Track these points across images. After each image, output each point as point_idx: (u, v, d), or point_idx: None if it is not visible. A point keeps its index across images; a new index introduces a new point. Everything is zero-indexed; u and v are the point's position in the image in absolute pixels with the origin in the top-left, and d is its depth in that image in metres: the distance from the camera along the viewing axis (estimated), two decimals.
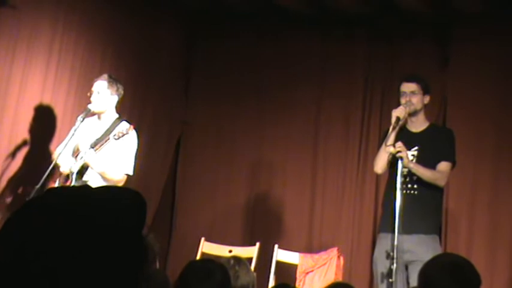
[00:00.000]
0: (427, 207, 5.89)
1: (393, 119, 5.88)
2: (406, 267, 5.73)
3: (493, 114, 7.74)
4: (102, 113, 6.37)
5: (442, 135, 6.17)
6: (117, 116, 6.42)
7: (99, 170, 6.14)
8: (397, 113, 5.91)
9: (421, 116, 6.11)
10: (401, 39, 8.18)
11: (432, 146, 5.99)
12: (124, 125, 6.26)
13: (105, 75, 6.43)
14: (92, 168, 6.12)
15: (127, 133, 6.11)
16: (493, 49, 7.81)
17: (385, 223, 5.95)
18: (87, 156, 6.08)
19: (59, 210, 1.38)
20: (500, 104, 7.73)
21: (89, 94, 6.35)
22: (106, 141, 6.13)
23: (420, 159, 5.91)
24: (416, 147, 5.95)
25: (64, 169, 6.12)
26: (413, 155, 5.92)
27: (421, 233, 5.79)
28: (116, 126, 6.30)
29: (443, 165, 5.98)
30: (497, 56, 7.80)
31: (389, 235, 5.69)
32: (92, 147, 6.14)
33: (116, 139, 6.10)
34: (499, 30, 7.76)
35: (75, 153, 6.24)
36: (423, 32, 8.12)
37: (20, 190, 6.68)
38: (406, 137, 5.92)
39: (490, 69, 7.81)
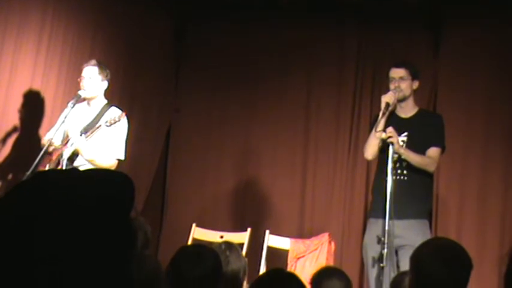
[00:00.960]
0: (417, 193, 5.90)
1: (382, 105, 5.87)
2: (396, 252, 5.74)
3: (483, 99, 7.76)
4: (93, 98, 6.36)
5: (431, 121, 6.16)
6: (106, 101, 6.41)
7: (89, 157, 6.13)
8: (387, 98, 5.90)
9: (410, 102, 6.10)
10: (392, 25, 8.17)
11: (422, 131, 5.99)
12: (115, 111, 6.26)
13: (94, 61, 6.41)
14: (82, 155, 6.11)
15: (119, 120, 6.10)
16: (483, 35, 7.82)
17: (375, 208, 5.96)
18: (78, 142, 6.07)
19: (47, 193, 1.38)
20: (491, 89, 7.75)
21: (79, 80, 6.34)
22: (98, 127, 6.12)
23: (410, 145, 5.91)
24: (406, 133, 5.95)
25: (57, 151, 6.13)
26: (403, 141, 5.92)
27: (411, 218, 5.79)
28: (106, 112, 6.30)
29: (433, 151, 5.98)
30: (487, 42, 7.81)
31: (379, 220, 5.70)
32: (83, 133, 6.13)
33: (107, 126, 6.09)
34: (489, 16, 7.77)
35: (65, 139, 6.23)
36: (414, 19, 8.11)
37: (10, 176, 6.67)
38: (395, 122, 5.91)
39: (480, 55, 7.83)
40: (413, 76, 6.06)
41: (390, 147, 5.69)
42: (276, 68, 8.53)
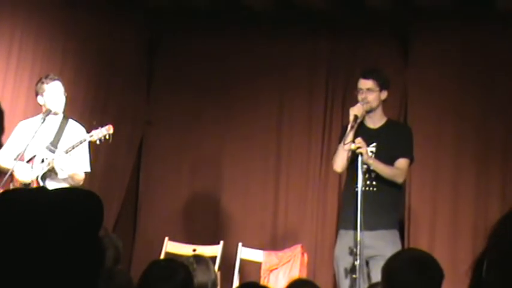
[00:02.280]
0: (386, 203, 5.91)
1: (351, 117, 5.89)
2: (367, 263, 5.76)
3: (453, 110, 7.81)
4: (57, 113, 6.35)
5: (399, 132, 6.19)
6: (62, 115, 6.40)
7: (70, 172, 6.12)
8: (355, 110, 5.92)
9: (378, 112, 6.11)
10: (362, 34, 8.19)
11: (390, 142, 6.01)
12: (76, 125, 6.39)
13: (54, 76, 6.41)
14: (61, 171, 6.07)
15: (109, 134, 6.15)
16: (453, 45, 7.87)
17: (345, 219, 5.98)
18: (58, 160, 6.04)
19: (15, 214, 1.37)
20: (461, 99, 7.79)
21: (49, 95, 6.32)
22: (81, 142, 6.12)
23: (378, 156, 5.92)
24: (374, 144, 5.97)
25: (23, 178, 6.07)
26: (372, 152, 5.93)
27: (381, 228, 5.82)
28: (66, 125, 6.31)
29: (401, 162, 6.00)
30: (457, 51, 7.86)
31: (349, 232, 5.72)
32: (54, 148, 6.12)
33: (99, 142, 6.13)
34: (459, 27, 7.82)
35: (21, 155, 6.13)
36: (384, 28, 8.15)
37: None
38: (364, 133, 5.92)
39: (450, 64, 7.88)
40: (382, 87, 6.05)
41: (359, 158, 5.71)
42: (247, 79, 8.52)
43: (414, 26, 8.03)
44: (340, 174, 7.46)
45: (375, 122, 6.11)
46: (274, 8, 8.26)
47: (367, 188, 5.83)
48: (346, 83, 8.18)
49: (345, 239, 5.83)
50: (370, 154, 5.88)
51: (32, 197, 1.41)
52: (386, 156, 5.94)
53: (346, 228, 5.87)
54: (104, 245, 1.43)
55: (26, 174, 6.07)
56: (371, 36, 8.18)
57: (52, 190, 1.47)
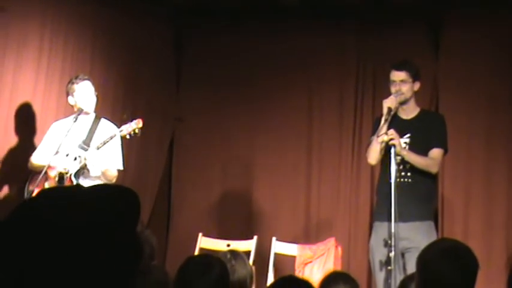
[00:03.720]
0: (421, 194, 5.89)
1: (385, 110, 5.87)
2: (402, 255, 5.74)
3: (485, 99, 7.74)
4: (89, 113, 6.39)
5: (433, 122, 6.15)
6: (94, 114, 6.44)
7: (103, 169, 6.16)
8: (388, 103, 5.90)
9: (411, 103, 6.09)
10: (392, 26, 8.15)
11: (424, 132, 5.98)
12: (109, 124, 6.42)
13: (84, 76, 6.46)
14: (93, 168, 6.12)
15: (138, 129, 6.19)
16: (485, 34, 7.80)
17: (379, 211, 5.96)
18: (90, 156, 6.09)
19: (54, 212, 1.39)
20: (492, 88, 7.73)
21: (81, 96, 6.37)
22: (111, 138, 6.16)
23: (412, 147, 5.91)
24: (408, 135, 5.95)
25: (60, 167, 6.12)
26: (405, 143, 5.92)
27: (416, 220, 5.79)
28: (99, 124, 6.35)
29: (435, 152, 5.97)
30: (489, 40, 7.79)
31: (384, 223, 5.70)
32: (86, 146, 6.17)
33: (129, 137, 6.17)
34: (489, 16, 7.76)
35: (57, 153, 6.18)
36: (414, 19, 8.10)
37: (6, 190, 6.70)
38: (397, 124, 5.90)
39: (482, 54, 7.80)
40: (414, 78, 6.04)
41: (392, 150, 5.70)
42: (277, 75, 8.51)
43: (445, 16, 7.97)
44: (372, 166, 7.45)
45: (408, 113, 6.08)
46: (301, 2, 8.26)
47: (401, 180, 5.81)
48: (375, 76, 8.15)
49: (380, 231, 5.81)
50: (403, 145, 5.87)
51: (70, 194, 1.42)
52: (420, 146, 5.92)
53: (380, 220, 5.86)
54: (142, 241, 1.45)
55: (62, 164, 6.12)
56: (400, 27, 8.14)
57: (88, 187, 1.49)
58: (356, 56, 8.32)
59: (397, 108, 5.98)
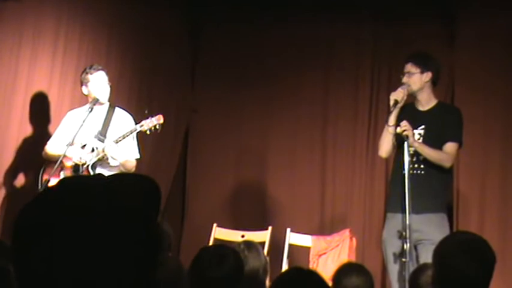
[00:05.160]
0: (434, 187, 5.86)
1: (391, 102, 5.88)
2: (415, 247, 5.73)
3: (501, 92, 7.70)
4: (103, 103, 6.40)
5: (449, 114, 6.10)
6: (108, 104, 6.45)
7: (122, 160, 6.19)
8: (395, 96, 5.90)
9: (425, 94, 6.04)
10: (408, 18, 8.13)
11: (438, 125, 5.94)
12: (123, 113, 6.46)
13: (98, 66, 6.46)
14: (114, 159, 6.14)
15: (159, 124, 6.20)
16: (501, 26, 7.75)
17: (392, 203, 5.95)
18: (109, 149, 6.11)
19: (76, 200, 1.38)
20: (509, 81, 7.69)
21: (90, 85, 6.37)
22: (131, 131, 6.18)
23: (426, 139, 5.87)
24: (422, 126, 5.92)
25: (75, 158, 6.13)
26: (419, 134, 5.89)
27: (429, 212, 5.77)
28: (113, 114, 6.35)
29: (450, 146, 5.92)
30: (504, 33, 7.75)
31: (396, 215, 5.70)
32: (103, 137, 6.19)
33: (149, 132, 6.18)
34: (507, 6, 7.71)
35: (71, 145, 6.17)
36: (430, 10, 8.07)
37: (22, 178, 6.73)
38: (413, 115, 5.89)
39: (498, 46, 7.77)
40: (423, 68, 6.01)
41: (406, 141, 5.69)
42: (292, 65, 8.52)
43: (461, 7, 7.93)
44: (386, 158, 7.44)
45: (424, 104, 6.04)
46: None
47: (414, 172, 5.79)
48: (390, 68, 8.12)
49: (392, 222, 5.81)
50: (417, 137, 5.85)
51: (92, 183, 1.42)
52: (434, 139, 5.88)
53: (393, 211, 5.85)
54: (162, 231, 1.44)
55: (77, 155, 6.13)
56: (416, 19, 8.11)
57: (110, 176, 1.48)
58: (372, 48, 8.31)
59: (404, 100, 5.94)
